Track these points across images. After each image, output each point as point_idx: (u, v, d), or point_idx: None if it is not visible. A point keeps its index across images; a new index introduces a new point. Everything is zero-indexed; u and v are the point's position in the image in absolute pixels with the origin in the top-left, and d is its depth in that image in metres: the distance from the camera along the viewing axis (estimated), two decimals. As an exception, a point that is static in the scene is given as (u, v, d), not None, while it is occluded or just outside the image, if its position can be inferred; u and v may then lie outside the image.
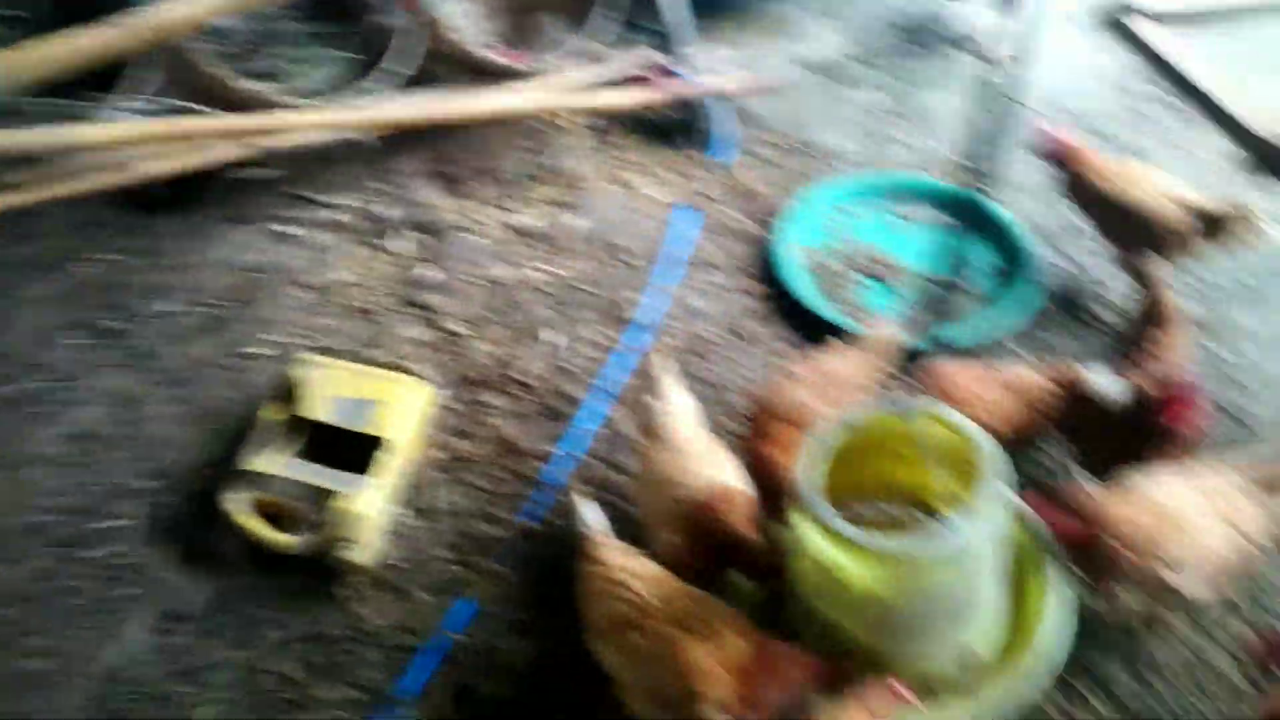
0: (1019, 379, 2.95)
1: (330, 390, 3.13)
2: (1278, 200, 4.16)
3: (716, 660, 2.20)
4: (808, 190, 4.27)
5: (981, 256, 3.98)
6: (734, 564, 2.55)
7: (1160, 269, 3.33)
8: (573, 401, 3.46)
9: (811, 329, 3.65)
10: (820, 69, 5.26)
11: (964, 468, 2.38)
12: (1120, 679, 2.65)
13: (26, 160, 3.39)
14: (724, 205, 4.30)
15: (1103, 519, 2.45)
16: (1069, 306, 3.78)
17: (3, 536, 3.01)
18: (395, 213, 4.14)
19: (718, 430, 3.21)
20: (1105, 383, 2.81)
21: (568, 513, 2.57)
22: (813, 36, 5.50)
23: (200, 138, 3.53)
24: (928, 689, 2.44)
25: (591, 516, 2.55)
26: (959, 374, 2.95)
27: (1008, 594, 2.58)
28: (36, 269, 3.83)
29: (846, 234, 4.14)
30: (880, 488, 2.70)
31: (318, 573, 2.94)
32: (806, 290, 3.82)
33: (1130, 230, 3.48)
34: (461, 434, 3.35)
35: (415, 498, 3.16)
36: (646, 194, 4.31)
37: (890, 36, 5.54)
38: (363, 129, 3.97)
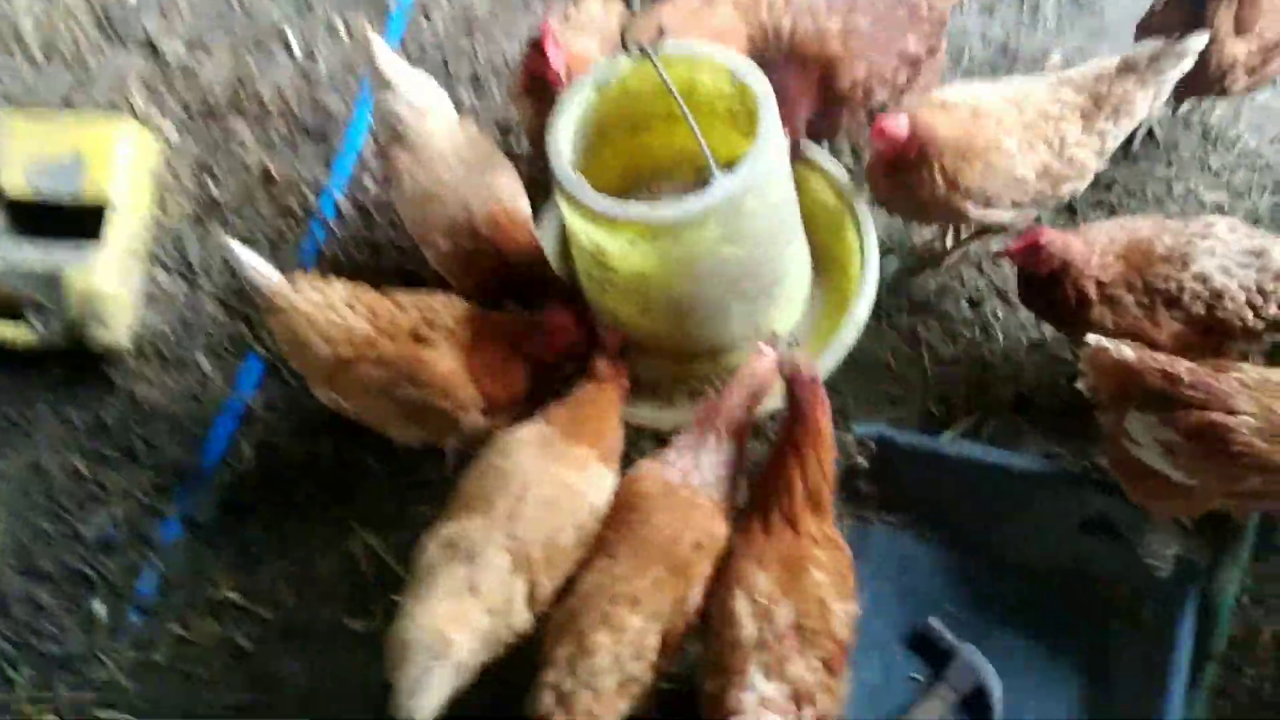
0: None
1: (27, 150, 2.64)
2: None
3: (456, 364, 2.09)
4: None
5: None
6: (518, 287, 2.33)
7: None
8: (335, 116, 3.02)
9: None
10: None
11: (745, 119, 2.11)
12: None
13: None
14: None
15: (927, 132, 2.18)
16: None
17: None
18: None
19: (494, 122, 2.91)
20: None
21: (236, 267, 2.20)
22: None
23: None
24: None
25: (256, 262, 2.19)
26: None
27: (817, 265, 2.43)
28: None
29: None
30: (682, 162, 2.41)
31: (80, 360, 2.67)
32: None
33: None
34: (209, 174, 2.93)
35: (168, 257, 2.82)
36: None
37: None
38: None
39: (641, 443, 2.32)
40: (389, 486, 2.50)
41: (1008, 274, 2.51)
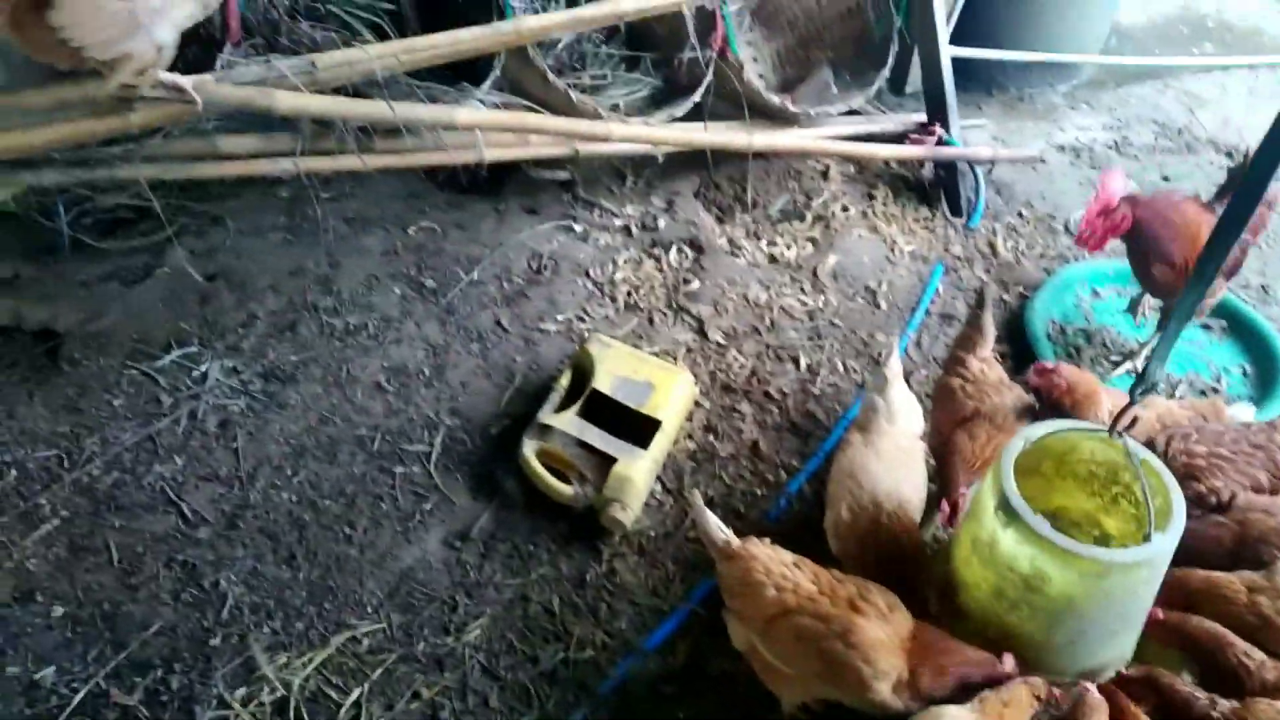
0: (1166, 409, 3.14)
1: (616, 368, 3.53)
2: None
3: (888, 636, 2.46)
4: (1064, 267, 4.44)
5: (1231, 358, 4.05)
6: (896, 571, 2.77)
7: None
8: (818, 424, 3.75)
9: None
10: (1074, 151, 5.42)
11: (1119, 497, 2.72)
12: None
13: (390, 130, 3.88)
14: (969, 265, 4.53)
15: None
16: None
17: (336, 442, 3.56)
18: (671, 228, 4.56)
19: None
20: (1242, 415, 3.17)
21: (694, 521, 2.84)
22: (1074, 125, 5.66)
23: (539, 133, 4.03)
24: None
25: (716, 522, 2.73)
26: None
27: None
28: (370, 225, 4.45)
29: (1093, 315, 4.28)
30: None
31: (584, 525, 3.34)
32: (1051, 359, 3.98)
33: None
34: (714, 432, 3.69)
35: (670, 479, 3.52)
36: (898, 244, 4.58)
37: (1151, 133, 5.64)
38: (665, 146, 4.38)
39: None
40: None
41: None
